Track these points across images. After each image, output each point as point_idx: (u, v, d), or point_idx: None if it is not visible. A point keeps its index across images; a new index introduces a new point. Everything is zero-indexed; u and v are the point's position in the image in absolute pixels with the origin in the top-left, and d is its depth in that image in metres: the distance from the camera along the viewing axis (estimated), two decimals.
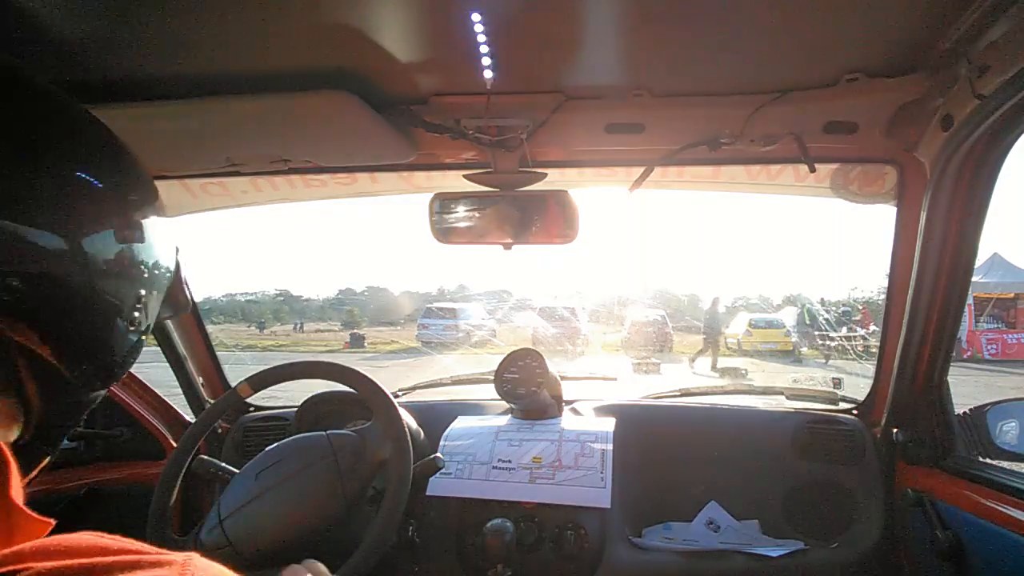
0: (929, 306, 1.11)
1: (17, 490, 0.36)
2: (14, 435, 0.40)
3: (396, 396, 1.69)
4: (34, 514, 0.36)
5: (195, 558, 0.33)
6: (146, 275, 0.46)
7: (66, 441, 0.48)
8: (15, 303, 0.37)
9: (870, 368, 1.37)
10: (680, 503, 1.39)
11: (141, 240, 0.46)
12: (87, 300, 0.41)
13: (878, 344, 1.34)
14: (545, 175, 1.23)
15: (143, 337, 0.49)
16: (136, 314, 0.46)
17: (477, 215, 1.23)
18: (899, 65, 0.91)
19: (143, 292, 0.46)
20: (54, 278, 0.39)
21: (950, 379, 1.19)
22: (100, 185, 0.43)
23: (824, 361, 11.04)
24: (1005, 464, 1.08)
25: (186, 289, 0.57)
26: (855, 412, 1.43)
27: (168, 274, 0.51)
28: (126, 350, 0.47)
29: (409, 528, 1.20)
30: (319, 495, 1.02)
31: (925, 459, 1.19)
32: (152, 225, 0.47)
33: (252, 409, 1.66)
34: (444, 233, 1.25)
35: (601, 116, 1.06)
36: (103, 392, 0.48)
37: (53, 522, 0.37)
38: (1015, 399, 1.16)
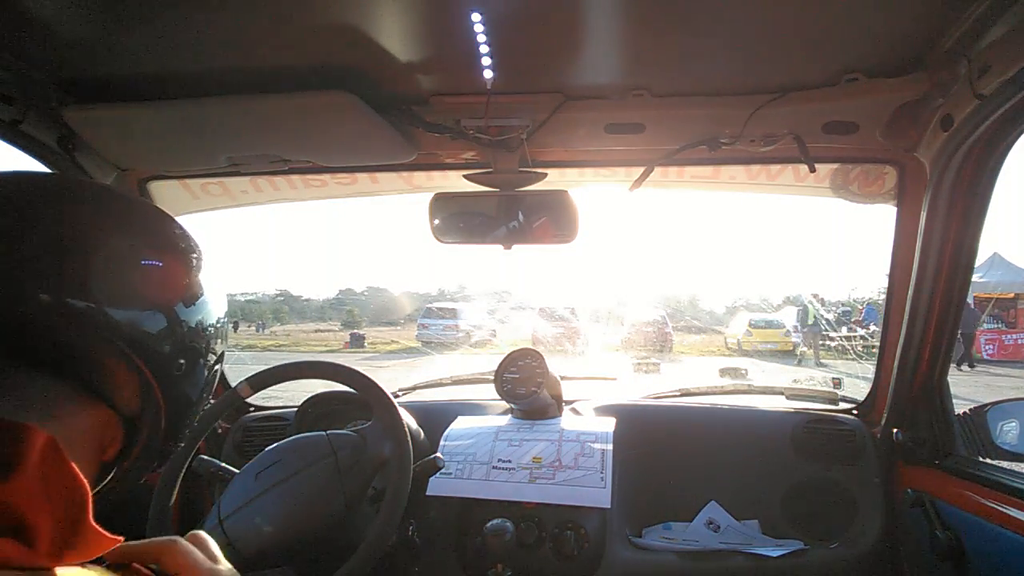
0: (929, 306, 1.11)
1: (90, 511, 0.40)
2: (111, 454, 0.47)
3: (396, 396, 1.69)
4: (105, 532, 0.40)
5: None
6: (214, 330, 0.53)
7: None
8: (147, 347, 0.45)
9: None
10: (680, 503, 1.38)
11: (202, 296, 0.52)
12: (199, 384, 0.51)
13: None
14: (545, 175, 1.23)
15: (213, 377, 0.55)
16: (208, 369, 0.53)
17: (477, 215, 1.23)
18: (899, 65, 0.91)
19: (215, 344, 0.54)
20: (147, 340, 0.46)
21: (949, 378, 1.19)
22: (160, 265, 0.49)
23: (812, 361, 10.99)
24: (1005, 464, 1.08)
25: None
26: (855, 412, 1.43)
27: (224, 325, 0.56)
28: (200, 393, 0.53)
29: (409, 528, 1.20)
30: (319, 495, 1.01)
31: (925, 459, 1.19)
32: (208, 282, 0.53)
33: (252, 409, 1.66)
34: (444, 233, 1.25)
35: (601, 116, 1.06)
36: (180, 443, 0.54)
37: (121, 539, 0.41)
38: (1015, 399, 1.15)
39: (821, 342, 11.05)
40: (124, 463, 0.48)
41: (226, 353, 0.62)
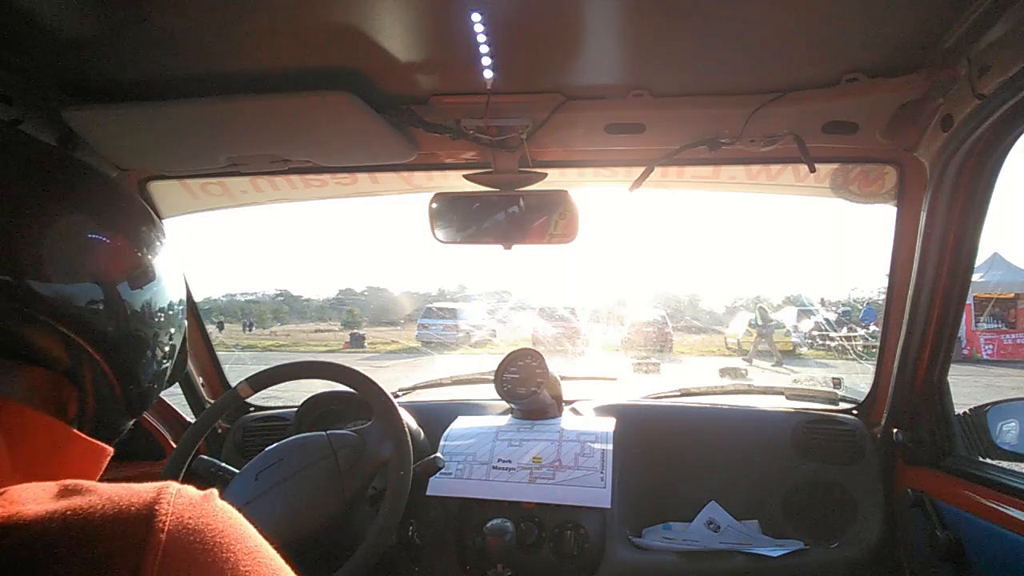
0: (929, 306, 1.11)
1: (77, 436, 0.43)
2: (73, 410, 0.46)
3: (396, 396, 1.69)
4: (91, 439, 0.42)
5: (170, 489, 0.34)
6: (162, 316, 0.51)
7: None
8: (101, 331, 0.44)
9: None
10: (680, 503, 1.38)
11: (153, 281, 0.50)
12: (144, 337, 0.49)
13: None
14: (545, 175, 1.23)
15: (169, 380, 0.55)
16: (160, 350, 0.51)
17: (477, 215, 1.23)
18: (899, 65, 0.91)
19: (164, 329, 0.52)
20: (127, 315, 0.46)
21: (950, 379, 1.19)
22: (108, 242, 0.47)
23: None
24: (1005, 464, 1.08)
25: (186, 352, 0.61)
26: (855, 412, 1.43)
27: (182, 308, 0.55)
28: (160, 384, 0.53)
29: (409, 528, 1.20)
30: (319, 495, 1.01)
31: (925, 459, 1.19)
32: (162, 265, 0.51)
33: (252, 409, 1.66)
34: (444, 233, 1.24)
35: (601, 116, 1.06)
36: (130, 424, 0.53)
37: (110, 450, 0.44)
38: (1015, 399, 1.15)
39: (776, 342, 12.03)
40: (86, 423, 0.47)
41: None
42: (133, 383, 0.49)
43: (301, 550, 0.99)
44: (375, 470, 1.06)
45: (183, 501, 0.33)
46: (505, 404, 1.52)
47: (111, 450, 0.45)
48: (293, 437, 1.12)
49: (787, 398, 1.59)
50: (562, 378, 1.54)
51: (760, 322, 12.33)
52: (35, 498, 0.31)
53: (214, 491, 0.36)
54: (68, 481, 0.33)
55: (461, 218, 1.24)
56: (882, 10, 0.78)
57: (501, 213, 1.22)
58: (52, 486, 0.32)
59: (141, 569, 0.29)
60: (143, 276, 0.48)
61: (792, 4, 0.77)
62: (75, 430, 0.43)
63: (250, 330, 20.74)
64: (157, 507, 0.32)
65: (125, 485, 0.33)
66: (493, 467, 1.33)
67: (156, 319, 0.50)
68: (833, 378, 1.70)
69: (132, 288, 0.47)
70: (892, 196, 1.22)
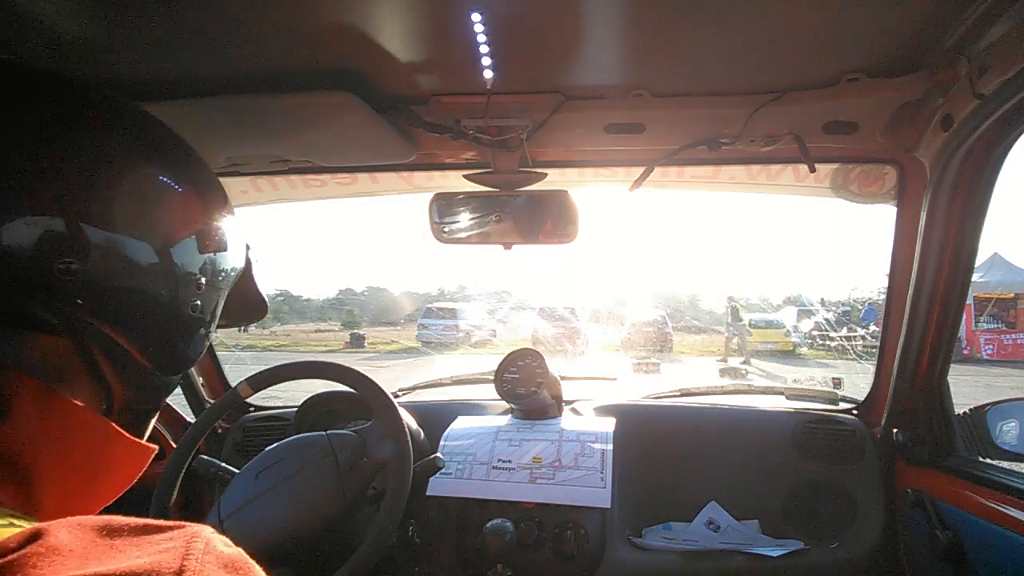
0: (929, 306, 1.11)
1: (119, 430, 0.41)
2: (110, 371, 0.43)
3: (396, 396, 1.70)
4: (135, 439, 0.41)
5: (203, 534, 0.33)
6: (207, 278, 0.47)
7: None
8: (82, 291, 0.39)
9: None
10: (680, 503, 1.39)
11: (216, 244, 0.47)
12: (153, 296, 0.44)
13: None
14: (545, 175, 1.23)
15: (208, 330, 0.50)
16: (197, 314, 0.47)
17: (477, 215, 1.23)
18: (899, 65, 0.91)
19: (206, 291, 0.48)
20: (120, 274, 0.41)
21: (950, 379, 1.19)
22: (180, 190, 0.45)
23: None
24: (1005, 464, 1.08)
25: (259, 289, 0.58)
26: (855, 412, 1.43)
27: (234, 274, 0.52)
28: (193, 342, 0.48)
29: (409, 528, 1.20)
30: (319, 495, 1.02)
31: (925, 459, 1.19)
32: (225, 226, 0.49)
33: (252, 409, 1.66)
34: (444, 233, 1.25)
35: (601, 116, 1.06)
36: (178, 378, 0.50)
37: (154, 448, 0.43)
38: (1015, 399, 1.15)
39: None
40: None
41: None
42: (152, 344, 0.45)
43: (301, 550, 0.99)
44: (375, 470, 1.06)
45: (211, 559, 0.32)
46: (505, 404, 1.52)
47: (155, 448, 0.44)
48: (293, 437, 1.12)
49: (787, 398, 1.59)
50: (562, 378, 1.54)
51: (729, 319, 12.53)
52: (74, 547, 0.29)
53: (242, 552, 0.35)
54: (95, 521, 0.32)
55: (461, 218, 1.24)
56: (882, 10, 0.78)
57: (501, 213, 1.22)
58: (90, 527, 0.31)
59: None
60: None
61: (792, 4, 0.76)
62: (118, 427, 0.41)
63: (246, 329, 20.66)
64: (186, 562, 0.31)
65: (155, 536, 0.32)
66: (493, 467, 1.33)
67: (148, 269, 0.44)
68: (833, 378, 1.70)
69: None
70: (892, 196, 1.22)
